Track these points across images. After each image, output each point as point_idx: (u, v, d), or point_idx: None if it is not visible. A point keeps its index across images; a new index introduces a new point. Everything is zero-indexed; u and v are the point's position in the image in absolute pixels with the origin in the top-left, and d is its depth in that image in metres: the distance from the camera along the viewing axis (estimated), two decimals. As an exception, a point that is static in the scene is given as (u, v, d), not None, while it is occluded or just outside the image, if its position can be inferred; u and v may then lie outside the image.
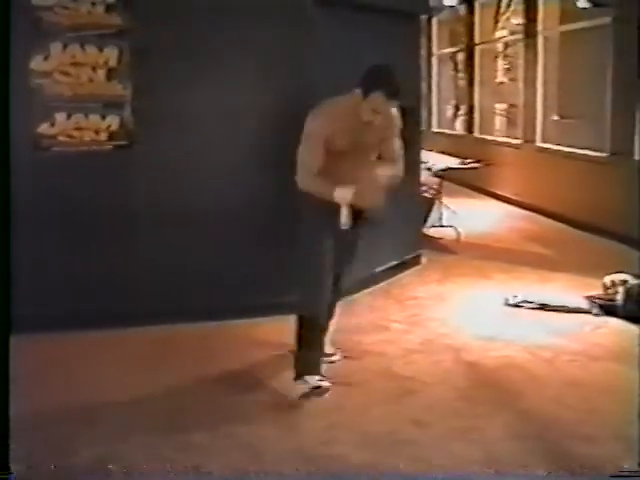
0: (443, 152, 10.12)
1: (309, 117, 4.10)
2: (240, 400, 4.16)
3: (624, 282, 5.55)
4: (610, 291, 5.61)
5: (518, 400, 4.16)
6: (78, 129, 5.16)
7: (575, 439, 3.62)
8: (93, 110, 5.17)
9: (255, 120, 5.38)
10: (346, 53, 5.64)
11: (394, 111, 4.19)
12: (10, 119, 2.54)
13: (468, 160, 8.99)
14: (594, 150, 8.61)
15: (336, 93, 4.18)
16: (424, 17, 13.09)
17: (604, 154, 8.36)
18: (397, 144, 4.32)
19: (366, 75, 3.98)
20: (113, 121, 5.19)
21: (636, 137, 7.83)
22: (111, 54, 5.13)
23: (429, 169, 8.15)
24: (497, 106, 12.03)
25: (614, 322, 5.37)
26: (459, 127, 13.51)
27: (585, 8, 8.82)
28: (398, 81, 3.96)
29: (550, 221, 9.25)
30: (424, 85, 14.52)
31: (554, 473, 3.07)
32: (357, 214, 4.10)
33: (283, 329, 4.60)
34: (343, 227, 4.01)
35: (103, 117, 5.18)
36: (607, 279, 5.71)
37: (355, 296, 5.95)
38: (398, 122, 4.29)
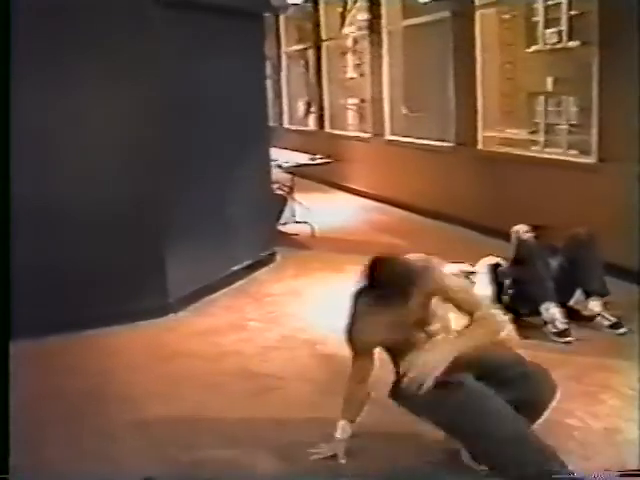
0: (296, 149, 10.20)
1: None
2: (99, 413, 4.07)
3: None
4: None
5: (375, 390, 4.22)
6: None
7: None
8: None
9: (103, 122, 5.27)
10: (188, 53, 5.62)
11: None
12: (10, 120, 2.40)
13: (318, 156, 9.10)
14: (440, 141, 8.88)
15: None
16: (270, 15, 13.27)
17: (450, 144, 8.65)
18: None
19: None
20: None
21: (479, 128, 8.14)
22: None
23: (280, 166, 8.19)
24: (349, 101, 12.22)
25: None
26: (311, 124, 13.64)
27: (426, 3, 9.08)
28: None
29: (401, 211, 9.48)
30: (273, 83, 14.63)
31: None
32: None
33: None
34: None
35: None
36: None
37: (211, 297, 5.93)
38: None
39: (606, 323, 5.00)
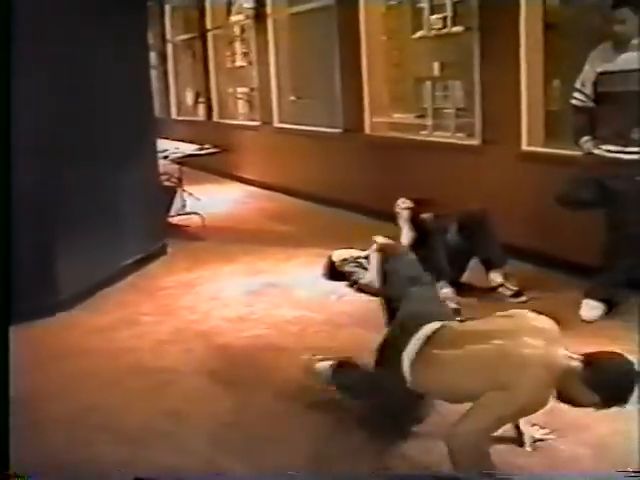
0: (185, 140, 10.07)
1: None
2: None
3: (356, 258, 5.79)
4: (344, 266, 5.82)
5: (271, 375, 4.23)
6: None
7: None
8: None
9: None
10: (70, 43, 5.47)
11: None
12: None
13: (206, 146, 9.02)
14: (329, 127, 8.93)
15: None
16: (155, 4, 13.08)
17: (338, 130, 8.70)
18: None
19: None
20: None
21: (366, 113, 8.23)
22: None
23: (166, 157, 8.08)
24: (238, 90, 12.14)
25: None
26: (200, 114, 13.50)
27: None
28: None
29: (292, 198, 9.51)
30: (160, 73, 14.42)
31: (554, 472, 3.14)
32: None
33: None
34: None
35: None
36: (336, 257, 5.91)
37: (103, 292, 5.81)
38: None
39: (508, 293, 5.24)
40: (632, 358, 2.94)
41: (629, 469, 2.96)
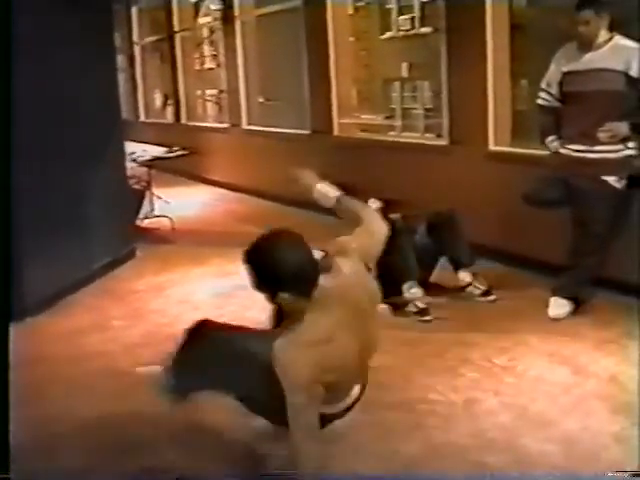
0: (154, 142, 10.03)
1: None
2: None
3: None
4: None
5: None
6: None
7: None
8: None
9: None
10: (33, 45, 5.43)
11: None
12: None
13: (175, 148, 9.00)
14: (297, 129, 8.94)
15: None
16: (122, 7, 13.01)
17: (306, 132, 8.71)
18: None
19: None
20: None
21: (334, 115, 8.25)
22: None
23: (134, 160, 8.04)
24: (207, 92, 12.11)
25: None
26: (169, 116, 13.45)
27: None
28: None
29: (260, 200, 9.50)
30: (128, 76, 14.35)
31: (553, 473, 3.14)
32: None
33: None
34: None
35: None
36: None
37: (71, 297, 5.77)
38: None
39: (477, 292, 5.28)
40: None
41: (627, 469, 2.99)
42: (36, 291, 5.44)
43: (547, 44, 5.34)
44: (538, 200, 4.82)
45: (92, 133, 6.19)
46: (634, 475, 2.95)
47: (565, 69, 4.70)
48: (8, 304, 2.47)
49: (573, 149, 4.68)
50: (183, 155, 9.05)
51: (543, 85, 4.87)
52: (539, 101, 4.92)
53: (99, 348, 4.85)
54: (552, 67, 4.80)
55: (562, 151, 4.74)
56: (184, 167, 11.03)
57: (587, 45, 4.61)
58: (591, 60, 4.59)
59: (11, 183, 5.12)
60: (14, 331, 5.04)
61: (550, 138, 4.81)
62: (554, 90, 4.79)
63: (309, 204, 8.56)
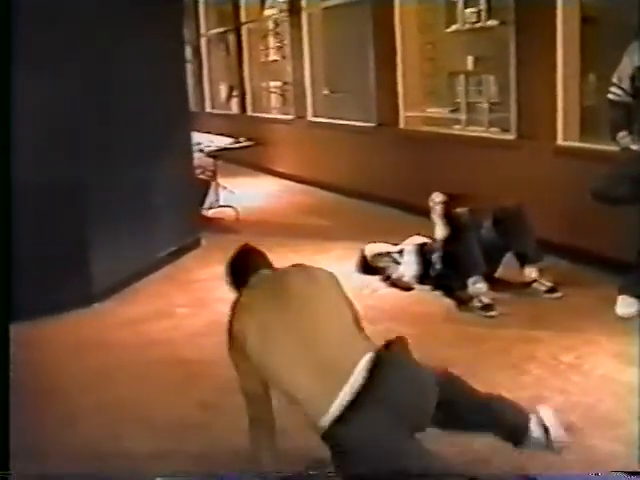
0: (219, 133, 10.12)
1: None
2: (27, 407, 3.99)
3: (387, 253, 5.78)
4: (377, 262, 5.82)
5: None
6: None
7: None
8: None
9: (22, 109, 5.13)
10: (106, 38, 5.52)
11: None
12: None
13: (241, 139, 9.06)
14: (362, 121, 8.92)
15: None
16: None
17: (372, 124, 8.68)
18: None
19: None
20: None
21: (400, 108, 8.21)
22: None
23: (201, 150, 8.12)
24: (272, 84, 12.16)
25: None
26: (234, 108, 13.54)
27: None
28: None
29: (325, 192, 9.49)
30: (194, 67, 14.47)
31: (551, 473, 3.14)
32: None
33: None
34: None
35: None
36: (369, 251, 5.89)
37: (137, 285, 5.86)
38: None
39: (542, 288, 5.20)
40: None
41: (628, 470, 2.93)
42: (103, 278, 5.55)
43: (618, 38, 5.23)
44: (607, 197, 4.72)
45: (160, 124, 6.27)
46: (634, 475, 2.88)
47: (638, 64, 4.60)
48: (8, 304, 2.50)
49: (645, 145, 4.58)
50: (248, 146, 9.12)
51: (614, 79, 4.75)
52: (610, 96, 4.80)
53: (162, 336, 4.92)
54: (624, 61, 4.69)
55: (633, 147, 4.64)
56: (249, 158, 11.10)
57: (661, 39, 4.50)
58: None
59: (80, 175, 5.26)
60: (81, 316, 5.23)
61: (621, 134, 4.70)
62: (626, 85, 4.68)
63: (373, 197, 8.65)
